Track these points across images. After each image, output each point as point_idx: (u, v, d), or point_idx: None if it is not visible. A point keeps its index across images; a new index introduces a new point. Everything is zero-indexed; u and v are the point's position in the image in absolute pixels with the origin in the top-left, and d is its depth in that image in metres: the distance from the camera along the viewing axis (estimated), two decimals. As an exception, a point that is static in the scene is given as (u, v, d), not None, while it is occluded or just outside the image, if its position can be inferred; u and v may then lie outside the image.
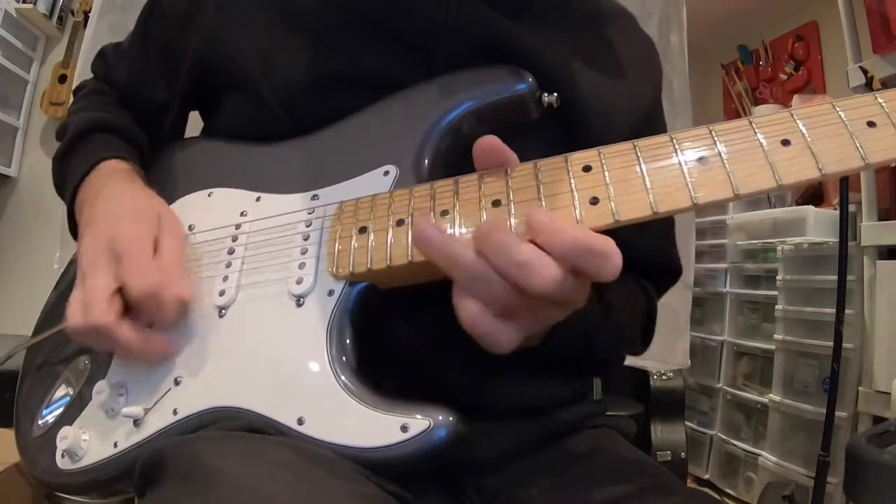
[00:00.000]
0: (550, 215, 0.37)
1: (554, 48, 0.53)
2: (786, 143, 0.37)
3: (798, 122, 0.37)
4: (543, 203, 0.39)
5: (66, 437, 0.48)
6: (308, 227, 0.48)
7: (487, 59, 0.51)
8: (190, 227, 0.54)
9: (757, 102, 2.71)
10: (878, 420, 1.51)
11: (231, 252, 0.51)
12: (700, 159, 0.38)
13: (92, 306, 0.45)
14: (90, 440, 0.49)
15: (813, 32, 2.46)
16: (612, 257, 0.35)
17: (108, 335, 0.45)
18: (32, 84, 2.36)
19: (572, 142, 0.43)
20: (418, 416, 0.39)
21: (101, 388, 0.49)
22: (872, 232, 1.59)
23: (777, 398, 1.84)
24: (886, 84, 1.53)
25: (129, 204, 0.52)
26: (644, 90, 0.61)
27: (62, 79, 2.30)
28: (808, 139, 0.36)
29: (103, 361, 0.51)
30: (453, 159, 0.49)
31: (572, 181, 0.40)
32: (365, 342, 0.45)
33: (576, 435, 0.56)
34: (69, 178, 0.58)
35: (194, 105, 0.66)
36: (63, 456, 0.49)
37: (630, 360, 0.69)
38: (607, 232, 0.37)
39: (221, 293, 0.49)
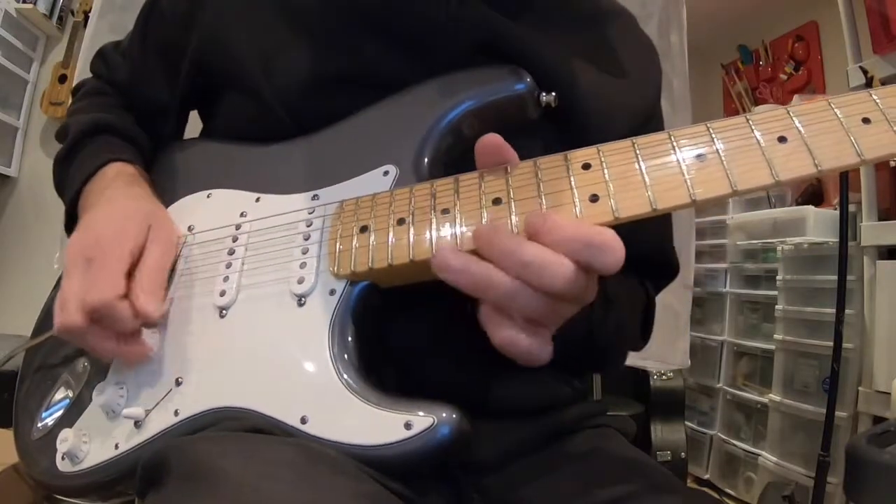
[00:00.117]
0: (544, 215, 0.37)
1: (554, 48, 0.53)
2: (782, 139, 0.37)
3: (794, 119, 0.37)
4: (543, 201, 0.40)
5: (66, 440, 0.48)
6: (309, 226, 0.48)
7: (487, 58, 0.51)
8: (189, 228, 0.54)
9: (757, 102, 2.71)
10: (878, 420, 1.50)
11: (231, 252, 0.51)
12: (698, 156, 0.38)
13: (63, 309, 0.46)
14: (91, 442, 0.48)
15: (813, 32, 2.46)
16: (613, 248, 0.35)
17: (80, 339, 0.46)
18: (32, 84, 2.36)
19: (572, 141, 0.43)
20: (421, 414, 0.39)
21: (101, 390, 0.49)
22: (872, 232, 1.59)
23: (777, 398, 1.84)
24: (886, 84, 1.53)
25: (122, 210, 0.52)
26: (644, 90, 0.61)
27: (62, 79, 2.30)
28: (805, 136, 0.37)
29: (103, 363, 0.51)
30: (453, 159, 0.49)
31: (572, 179, 0.40)
32: (366, 341, 0.45)
33: (576, 435, 0.56)
34: (71, 180, 0.58)
35: (194, 105, 0.66)
36: (63, 458, 0.49)
37: (630, 360, 0.70)
38: None
39: (222, 293, 0.49)
